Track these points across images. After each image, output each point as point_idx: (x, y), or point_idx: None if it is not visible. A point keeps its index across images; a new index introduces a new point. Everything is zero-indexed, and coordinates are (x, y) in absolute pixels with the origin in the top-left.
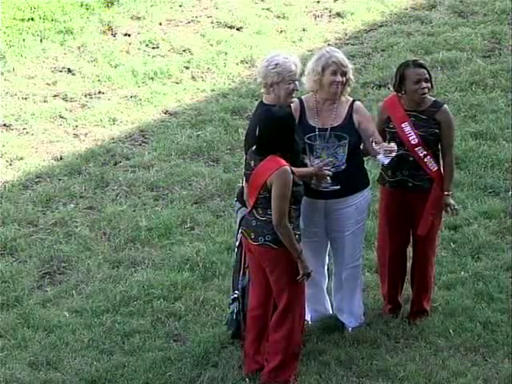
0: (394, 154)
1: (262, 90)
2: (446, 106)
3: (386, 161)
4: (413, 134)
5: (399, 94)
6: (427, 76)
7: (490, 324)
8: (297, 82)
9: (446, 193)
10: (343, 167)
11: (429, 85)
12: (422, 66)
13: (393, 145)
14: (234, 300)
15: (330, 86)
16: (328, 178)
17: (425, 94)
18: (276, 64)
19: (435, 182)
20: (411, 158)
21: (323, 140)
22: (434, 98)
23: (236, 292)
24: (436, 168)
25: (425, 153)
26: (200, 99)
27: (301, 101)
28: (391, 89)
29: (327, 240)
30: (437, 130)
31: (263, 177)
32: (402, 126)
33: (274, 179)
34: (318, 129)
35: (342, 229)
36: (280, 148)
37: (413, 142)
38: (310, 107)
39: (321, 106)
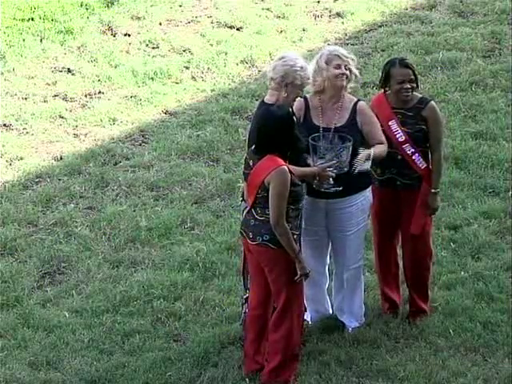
0: (368, 159)
1: (271, 86)
2: (432, 102)
3: (367, 166)
4: (399, 131)
5: (386, 92)
6: (412, 77)
7: (490, 324)
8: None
9: (432, 190)
10: (346, 169)
11: (413, 85)
12: (407, 66)
13: (365, 153)
14: (246, 300)
15: (336, 79)
16: (330, 179)
17: (408, 94)
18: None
19: (424, 179)
20: (399, 157)
21: (327, 141)
22: (420, 95)
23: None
24: (425, 165)
25: (412, 150)
26: (200, 99)
27: (305, 99)
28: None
29: (328, 240)
30: (424, 127)
31: (261, 176)
32: (389, 123)
33: (272, 178)
34: (322, 128)
35: (344, 228)
36: (278, 147)
37: (400, 140)
38: (315, 106)
39: (325, 105)
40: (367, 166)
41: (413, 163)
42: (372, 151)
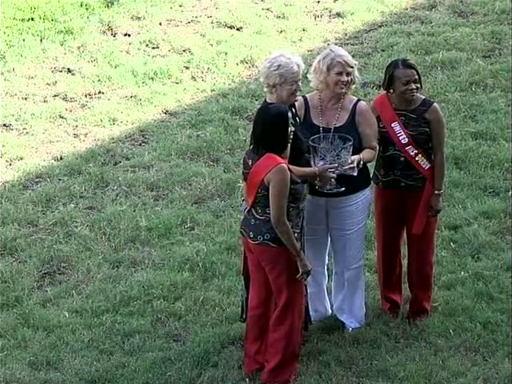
0: (354, 165)
1: (265, 90)
2: (435, 104)
3: (355, 172)
4: (402, 133)
5: (389, 93)
6: (416, 77)
7: (490, 324)
8: (299, 83)
9: (436, 192)
10: (353, 173)
11: (418, 85)
12: (411, 66)
13: (355, 158)
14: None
15: (336, 86)
16: (332, 179)
17: (413, 94)
18: (278, 65)
19: (428, 180)
20: (402, 158)
21: (328, 143)
22: (423, 97)
23: None
24: (428, 166)
25: (416, 152)
26: (200, 99)
27: (305, 99)
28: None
29: (328, 239)
30: (427, 129)
31: (260, 174)
32: (392, 125)
33: (272, 177)
34: (322, 128)
35: (344, 227)
36: (275, 144)
37: (403, 142)
38: (315, 106)
39: (325, 105)
40: (356, 172)
41: (416, 164)
42: (361, 157)
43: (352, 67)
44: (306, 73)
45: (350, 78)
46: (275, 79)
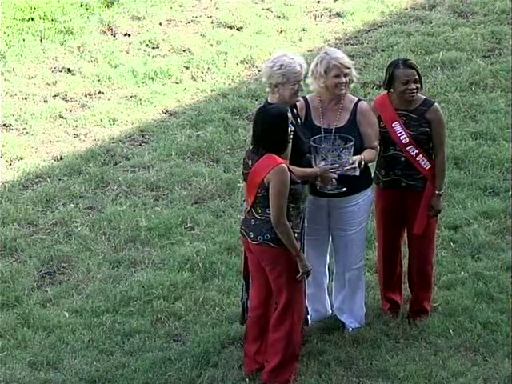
0: (356, 165)
1: (267, 90)
2: (436, 104)
3: (357, 173)
4: (403, 133)
5: (389, 93)
6: (416, 77)
7: (490, 324)
8: (301, 83)
9: (436, 192)
10: (355, 173)
11: (418, 85)
12: (411, 66)
13: (356, 159)
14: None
15: (335, 88)
16: (333, 180)
17: (413, 94)
18: (281, 65)
19: (428, 180)
20: (403, 158)
21: (329, 143)
22: (424, 97)
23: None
24: (429, 166)
25: (416, 152)
26: (200, 99)
27: (306, 100)
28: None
29: (329, 239)
30: (427, 129)
31: (260, 175)
32: (393, 125)
33: (272, 177)
34: (324, 129)
35: (346, 228)
36: (274, 145)
37: (404, 142)
38: (315, 107)
39: (326, 106)
40: (358, 172)
41: (417, 164)
42: (363, 157)
43: (349, 68)
44: (307, 74)
45: (348, 79)
46: (277, 79)
